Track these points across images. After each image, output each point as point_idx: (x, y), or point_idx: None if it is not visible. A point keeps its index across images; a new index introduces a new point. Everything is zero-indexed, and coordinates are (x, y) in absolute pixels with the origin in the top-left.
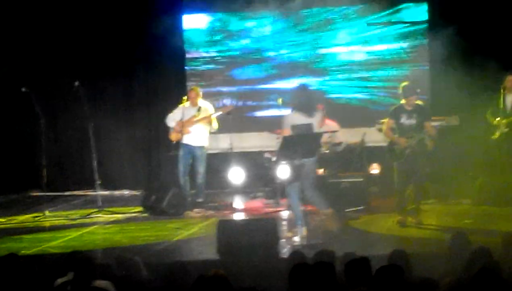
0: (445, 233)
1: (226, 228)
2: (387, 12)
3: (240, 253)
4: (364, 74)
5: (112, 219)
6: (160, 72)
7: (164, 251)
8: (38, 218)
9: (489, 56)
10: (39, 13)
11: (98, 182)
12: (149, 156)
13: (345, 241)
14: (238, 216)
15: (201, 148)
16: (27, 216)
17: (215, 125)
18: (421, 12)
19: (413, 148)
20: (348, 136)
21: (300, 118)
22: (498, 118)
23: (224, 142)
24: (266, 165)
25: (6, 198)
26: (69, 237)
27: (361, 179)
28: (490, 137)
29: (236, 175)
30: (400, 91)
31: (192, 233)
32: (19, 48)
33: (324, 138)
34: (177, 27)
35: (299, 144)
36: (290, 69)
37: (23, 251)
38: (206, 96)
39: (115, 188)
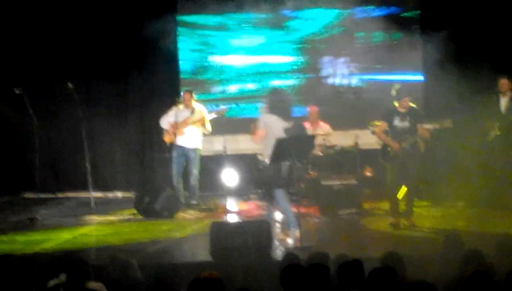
0: (438, 235)
1: (219, 230)
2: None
3: (233, 255)
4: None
5: (105, 221)
6: (154, 74)
7: (157, 253)
8: (31, 220)
9: (482, 60)
10: (33, 15)
11: (92, 184)
12: (142, 157)
13: (339, 243)
14: (232, 218)
15: (195, 150)
16: (20, 218)
17: (208, 127)
18: (413, 18)
19: (406, 150)
20: (341, 139)
21: (276, 122)
22: (491, 121)
23: (218, 144)
24: (260, 167)
25: None
26: (62, 239)
27: (355, 181)
28: (483, 140)
29: (230, 177)
30: (393, 93)
31: (185, 235)
32: (13, 49)
33: (318, 140)
34: (171, 30)
35: (292, 146)
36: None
37: (16, 253)
38: (199, 99)
39: (108, 190)
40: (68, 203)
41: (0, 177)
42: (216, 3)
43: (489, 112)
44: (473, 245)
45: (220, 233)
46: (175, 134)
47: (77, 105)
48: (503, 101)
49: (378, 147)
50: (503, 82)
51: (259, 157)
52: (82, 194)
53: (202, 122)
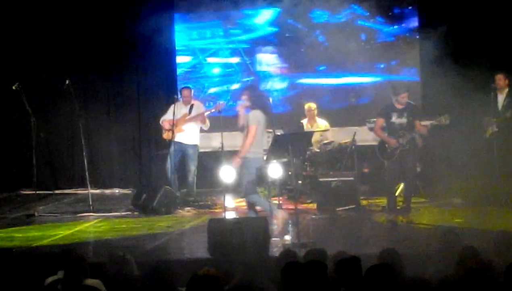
0: (436, 231)
1: (216, 227)
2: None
3: (231, 251)
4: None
5: (102, 218)
6: (151, 71)
7: (155, 250)
8: (29, 216)
9: (479, 56)
10: (30, 12)
11: (89, 181)
12: (139, 154)
13: (336, 240)
14: (229, 215)
15: (193, 146)
16: (17, 214)
17: (207, 123)
18: (411, 14)
19: (404, 147)
20: (339, 135)
21: (263, 117)
22: (489, 118)
23: (216, 141)
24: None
25: None
26: (60, 235)
27: (352, 178)
28: (481, 136)
29: (227, 173)
30: (390, 89)
31: (182, 232)
32: (10, 46)
33: (315, 137)
34: (168, 27)
35: (290, 143)
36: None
37: (13, 250)
38: (196, 95)
39: (106, 187)
40: (66, 200)
41: None
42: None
43: (486, 109)
44: (470, 242)
45: (218, 230)
46: (173, 131)
47: (75, 102)
48: (500, 98)
49: (375, 143)
50: (500, 78)
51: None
52: (80, 191)
53: (200, 118)
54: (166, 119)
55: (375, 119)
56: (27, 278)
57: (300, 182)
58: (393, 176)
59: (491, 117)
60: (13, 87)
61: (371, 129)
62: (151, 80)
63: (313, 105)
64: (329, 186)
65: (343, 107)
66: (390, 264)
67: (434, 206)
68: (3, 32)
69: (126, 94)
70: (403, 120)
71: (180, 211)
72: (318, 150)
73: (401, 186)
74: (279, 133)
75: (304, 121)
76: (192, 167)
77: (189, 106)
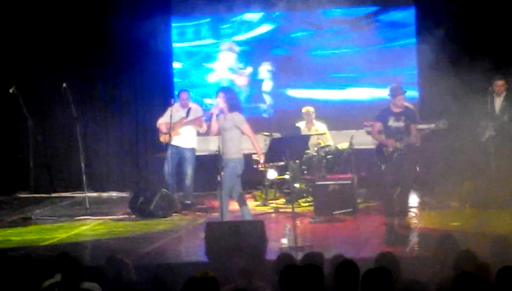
0: (433, 235)
1: (214, 230)
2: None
3: (228, 255)
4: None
5: (100, 221)
6: (148, 74)
7: (152, 253)
8: (26, 219)
9: (478, 59)
10: (27, 16)
11: (86, 184)
12: (136, 157)
13: (333, 243)
14: (226, 218)
15: (190, 149)
16: (14, 217)
17: (204, 127)
18: (408, 16)
19: (401, 151)
20: (336, 138)
21: (240, 119)
22: (486, 122)
23: (213, 144)
24: (255, 167)
25: None
26: (57, 238)
27: (349, 182)
28: (478, 140)
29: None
30: (387, 92)
31: (180, 235)
32: (7, 49)
33: (313, 140)
34: (165, 29)
35: (287, 146)
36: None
37: (10, 253)
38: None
39: (103, 190)
40: (63, 203)
41: None
42: (209, 4)
43: (483, 113)
44: (467, 245)
45: (215, 233)
46: (170, 134)
47: (72, 105)
48: (498, 101)
49: (373, 146)
50: (499, 83)
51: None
52: (77, 194)
53: (197, 122)
54: (163, 122)
55: (372, 123)
56: (24, 281)
57: (297, 185)
58: (390, 179)
59: (488, 121)
60: (10, 91)
61: (368, 133)
62: (148, 84)
63: (311, 108)
64: (327, 189)
65: (340, 110)
66: (387, 268)
67: (431, 209)
68: (0, 35)
69: (123, 98)
70: (400, 124)
71: (177, 214)
72: (315, 153)
73: (398, 189)
74: (276, 137)
75: (302, 125)
76: (189, 170)
77: (186, 109)
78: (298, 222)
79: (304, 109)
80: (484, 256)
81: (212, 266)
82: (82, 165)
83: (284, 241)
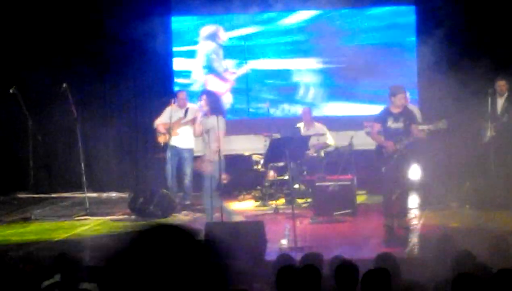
0: (432, 236)
1: (213, 231)
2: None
3: (227, 255)
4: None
5: (99, 221)
6: (148, 74)
7: None
8: (25, 220)
9: (478, 60)
10: (27, 16)
11: (86, 184)
12: (136, 158)
13: (333, 244)
14: (226, 219)
15: (189, 150)
16: (14, 217)
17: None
18: (409, 16)
19: (401, 152)
20: (336, 139)
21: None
22: (487, 122)
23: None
24: (254, 167)
25: None
26: (56, 239)
27: (349, 182)
28: (478, 141)
29: (224, 177)
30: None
31: None
32: (7, 49)
33: (312, 141)
34: (165, 29)
35: (287, 147)
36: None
37: (10, 253)
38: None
39: (103, 190)
40: (62, 203)
41: None
42: (209, 3)
43: (484, 114)
44: (467, 246)
45: (214, 234)
46: (169, 135)
47: (71, 105)
48: (500, 102)
49: (372, 147)
50: (501, 83)
51: (254, 157)
52: (76, 194)
53: (196, 122)
54: (160, 122)
55: (371, 124)
56: (24, 281)
57: (297, 186)
58: (390, 180)
59: (489, 122)
60: (10, 91)
61: (368, 133)
62: (147, 84)
63: (309, 109)
64: (326, 190)
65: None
66: (387, 269)
67: (430, 210)
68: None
69: (123, 98)
70: (400, 125)
71: (177, 214)
72: (315, 154)
73: (398, 190)
74: (276, 138)
75: (301, 125)
76: (188, 171)
77: (184, 109)
78: (297, 223)
79: (303, 110)
80: (484, 257)
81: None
82: (82, 165)
83: (284, 241)
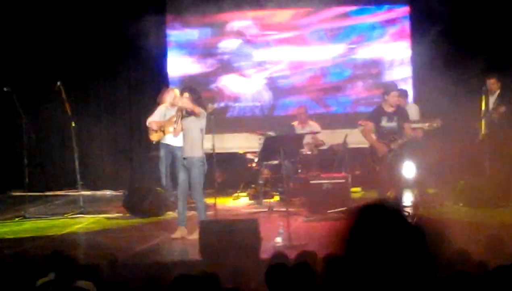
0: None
1: (208, 229)
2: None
3: (222, 253)
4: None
5: (93, 219)
6: (143, 73)
7: (146, 252)
8: (19, 218)
9: (472, 59)
10: (21, 13)
11: (80, 182)
12: (130, 156)
13: (327, 242)
14: (220, 217)
15: (181, 148)
16: (8, 216)
17: None
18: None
19: (395, 152)
20: (330, 137)
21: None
22: (480, 121)
23: (206, 143)
24: (249, 165)
25: None
26: (51, 237)
27: (343, 181)
28: (472, 139)
29: (219, 176)
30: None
31: (173, 233)
32: (0, 48)
33: (307, 139)
34: (160, 27)
35: (281, 145)
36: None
37: (4, 251)
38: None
39: (97, 188)
40: (57, 201)
41: None
42: (205, 2)
43: (478, 112)
44: (461, 244)
45: (209, 232)
46: (162, 133)
47: (66, 103)
48: (491, 100)
49: (367, 145)
50: (491, 82)
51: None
52: (71, 192)
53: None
54: (153, 120)
55: (364, 123)
56: (18, 279)
57: (291, 184)
58: (384, 179)
59: (481, 120)
60: (4, 89)
61: (361, 132)
62: (142, 82)
63: (304, 108)
64: (321, 188)
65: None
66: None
67: (425, 209)
68: None
69: (118, 96)
70: (393, 124)
71: (171, 213)
72: (309, 152)
73: (392, 189)
74: (270, 136)
75: (295, 124)
76: None
77: (176, 108)
78: (292, 221)
79: (297, 108)
80: (478, 255)
81: (205, 264)
82: (76, 163)
83: (278, 239)
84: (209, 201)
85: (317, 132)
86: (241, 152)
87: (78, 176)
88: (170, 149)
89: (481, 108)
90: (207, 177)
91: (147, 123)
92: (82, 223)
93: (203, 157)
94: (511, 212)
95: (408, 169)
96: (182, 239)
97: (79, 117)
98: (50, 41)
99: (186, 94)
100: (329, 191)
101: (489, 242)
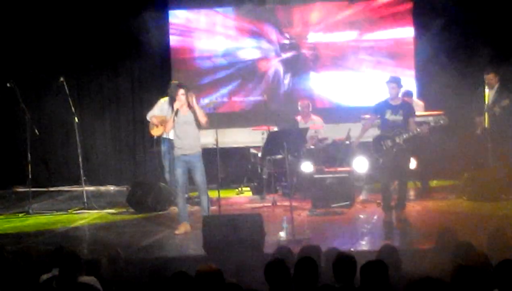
0: (431, 228)
1: (211, 224)
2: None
3: (226, 248)
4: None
5: (97, 215)
6: (146, 68)
7: (150, 247)
8: (23, 213)
9: (475, 53)
10: (24, 10)
11: (84, 178)
12: (134, 151)
13: (331, 236)
14: (224, 212)
15: None
16: (12, 211)
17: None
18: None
19: (400, 145)
20: (333, 132)
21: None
22: (480, 115)
23: (209, 137)
24: (252, 160)
25: None
26: (54, 233)
27: (347, 175)
28: (474, 132)
29: (222, 170)
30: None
31: (177, 229)
32: (4, 43)
33: (310, 134)
34: (163, 22)
35: (285, 139)
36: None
37: (8, 247)
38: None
39: (101, 184)
40: (60, 197)
41: None
42: None
43: (478, 106)
44: (465, 237)
45: (212, 227)
46: (163, 128)
47: (69, 99)
48: (491, 94)
49: (370, 139)
50: (490, 76)
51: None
52: (74, 188)
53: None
54: (154, 115)
55: (367, 116)
56: (22, 275)
57: (295, 178)
58: (388, 173)
59: (482, 114)
60: (8, 85)
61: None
62: (145, 77)
63: (307, 101)
64: (324, 182)
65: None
66: (383, 261)
67: (429, 202)
68: None
69: (121, 91)
70: (398, 117)
71: (174, 208)
72: (313, 147)
73: (396, 182)
74: (274, 130)
75: (299, 118)
76: None
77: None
78: (295, 215)
79: (300, 102)
80: (482, 248)
81: (209, 259)
82: (80, 159)
83: (282, 234)
84: (213, 195)
85: (320, 127)
86: (244, 146)
87: (82, 171)
88: (172, 143)
89: (484, 102)
90: (210, 172)
91: (148, 118)
92: (85, 218)
93: (200, 151)
94: None
95: (412, 162)
96: (185, 234)
97: (82, 113)
98: (53, 37)
99: (181, 91)
100: (333, 185)
101: (493, 235)
